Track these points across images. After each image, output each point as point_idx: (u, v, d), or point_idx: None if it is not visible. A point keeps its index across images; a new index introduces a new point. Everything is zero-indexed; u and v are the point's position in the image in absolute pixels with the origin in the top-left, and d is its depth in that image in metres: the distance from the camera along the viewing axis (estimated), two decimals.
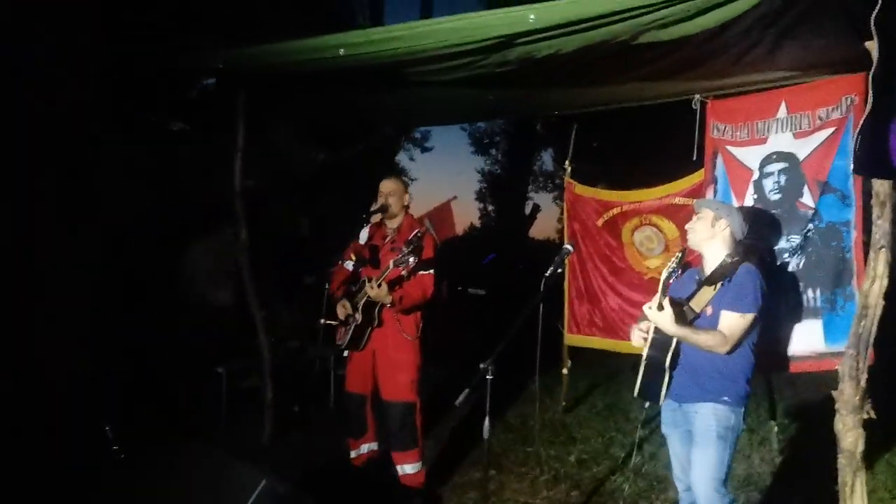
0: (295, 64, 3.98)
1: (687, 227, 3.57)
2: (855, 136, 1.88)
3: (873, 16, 1.89)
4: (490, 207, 26.91)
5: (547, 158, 25.19)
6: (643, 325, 3.42)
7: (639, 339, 3.44)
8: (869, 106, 1.88)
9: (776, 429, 5.56)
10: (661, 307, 3.12)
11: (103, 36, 5.33)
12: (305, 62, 3.89)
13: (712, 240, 3.46)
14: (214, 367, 5.96)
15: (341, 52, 3.53)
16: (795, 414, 6.48)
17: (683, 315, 3.28)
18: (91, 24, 5.28)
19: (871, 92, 1.87)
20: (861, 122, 1.92)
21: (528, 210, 20.84)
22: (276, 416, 5.63)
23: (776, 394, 5.88)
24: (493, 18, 3.04)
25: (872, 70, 1.90)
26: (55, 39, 5.07)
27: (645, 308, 3.21)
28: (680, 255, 3.34)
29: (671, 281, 3.28)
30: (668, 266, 3.25)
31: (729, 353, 3.22)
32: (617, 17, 2.84)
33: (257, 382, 5.95)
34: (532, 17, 2.87)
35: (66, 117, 4.96)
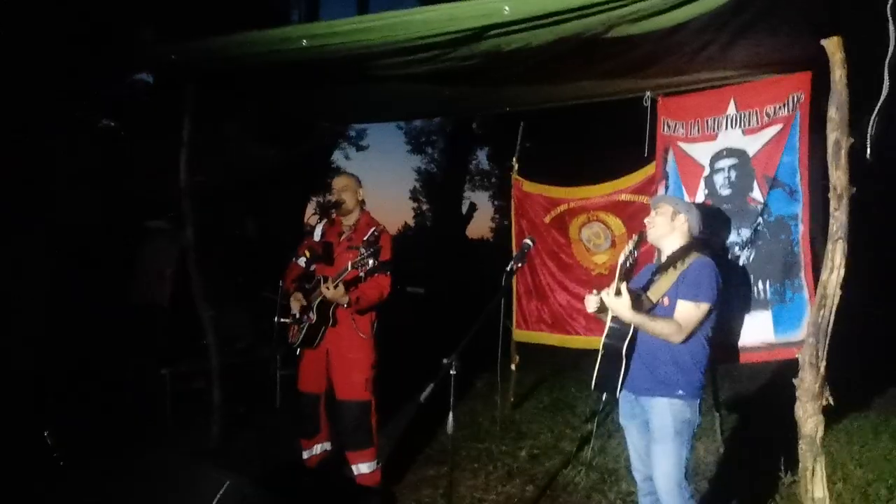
0: (253, 56, 3.83)
1: (646, 221, 3.60)
2: (871, 121, 1.91)
3: (889, 4, 1.92)
4: (425, 206, 26.96)
5: (482, 157, 25.44)
6: (596, 297, 3.39)
7: (593, 305, 3.39)
8: (885, 91, 1.92)
9: (719, 419, 5.70)
10: (618, 292, 3.14)
11: (51, 34, 5.10)
12: (265, 54, 3.75)
13: (671, 234, 3.51)
14: (159, 369, 5.72)
15: (304, 43, 3.40)
16: (735, 404, 6.68)
17: (640, 302, 3.32)
18: (38, 22, 5.05)
19: (886, 77, 1.90)
20: (878, 107, 1.95)
21: (464, 209, 20.92)
22: (223, 418, 5.45)
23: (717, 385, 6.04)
24: (465, 9, 2.97)
25: (889, 56, 1.93)
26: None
27: (602, 294, 3.23)
28: (637, 238, 3.37)
29: (627, 265, 3.29)
30: (625, 250, 3.28)
31: (683, 342, 3.25)
32: (591, 10, 2.82)
33: (203, 384, 5.76)
34: (506, 9, 2.82)
35: (12, 117, 4.73)
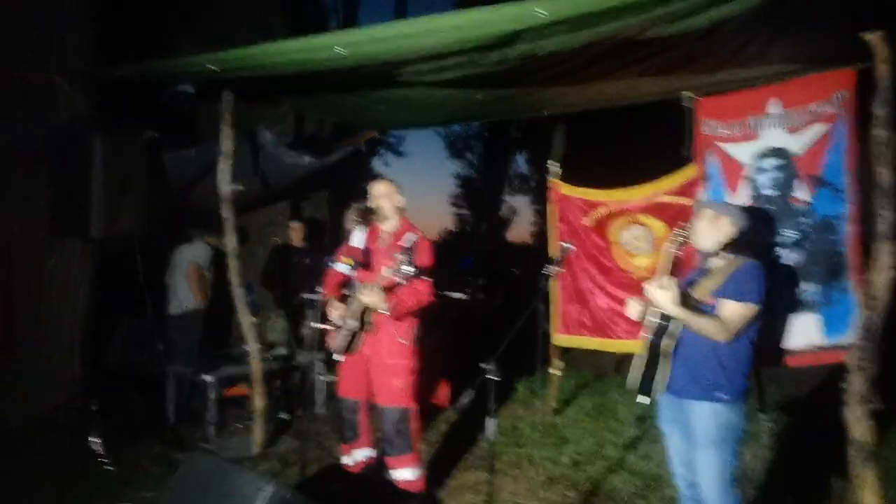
0: (290, 64, 3.89)
1: (688, 226, 3.54)
2: None
3: None
4: (465, 212, 26.97)
5: (522, 162, 25.38)
6: (641, 300, 3.35)
7: (636, 311, 3.36)
8: None
9: (768, 424, 5.58)
10: (663, 285, 3.09)
11: (96, 46, 5.27)
12: (301, 62, 3.80)
13: (715, 237, 3.44)
14: (202, 376, 5.82)
15: (339, 50, 3.43)
16: (783, 409, 6.53)
17: (685, 298, 3.26)
18: (84, 33, 5.22)
19: None
20: None
21: (504, 213, 20.90)
22: (266, 424, 5.53)
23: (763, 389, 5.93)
24: (498, 14, 2.97)
25: None
26: (48, 50, 5.01)
27: (646, 285, 3.17)
28: (683, 229, 3.30)
29: (675, 255, 3.22)
30: (673, 239, 3.20)
31: (728, 342, 3.18)
32: (624, 12, 2.80)
33: (246, 390, 5.85)
34: (541, 12, 2.80)
35: (62, 128, 4.88)
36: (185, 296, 6.71)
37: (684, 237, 3.26)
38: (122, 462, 4.99)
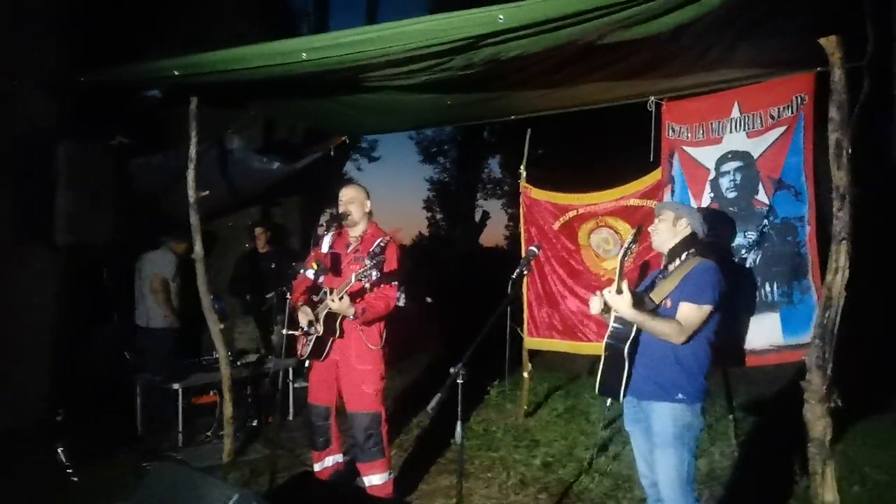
0: (255, 70, 3.88)
1: (650, 229, 3.59)
2: (851, 120, 1.91)
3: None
4: (439, 216, 26.97)
5: (494, 165, 25.49)
6: (599, 295, 3.38)
7: (597, 306, 3.38)
8: (865, 88, 1.92)
9: (734, 423, 5.66)
10: (619, 290, 3.14)
11: (64, 51, 5.20)
12: (266, 68, 3.80)
13: (674, 239, 3.50)
14: (171, 384, 5.77)
15: (304, 56, 3.44)
16: (751, 408, 6.62)
17: (642, 302, 3.30)
18: (51, 39, 5.15)
19: (866, 76, 1.91)
20: (857, 107, 1.96)
21: (477, 217, 20.95)
22: (236, 432, 5.49)
23: (731, 388, 6.01)
24: (461, 20, 3.00)
25: (867, 56, 1.94)
26: (17, 55, 4.93)
27: (604, 292, 3.22)
28: (635, 232, 3.35)
29: (629, 261, 3.27)
30: (624, 245, 3.25)
31: (684, 343, 3.23)
32: (583, 17, 2.84)
33: (215, 398, 5.81)
34: (501, 17, 2.85)
35: (27, 135, 4.81)
36: (152, 310, 6.54)
37: (634, 240, 3.31)
38: (90, 472, 4.92)
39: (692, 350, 3.27)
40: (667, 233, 3.49)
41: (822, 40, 3.31)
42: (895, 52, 1.56)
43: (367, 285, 4.16)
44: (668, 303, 3.31)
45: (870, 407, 6.28)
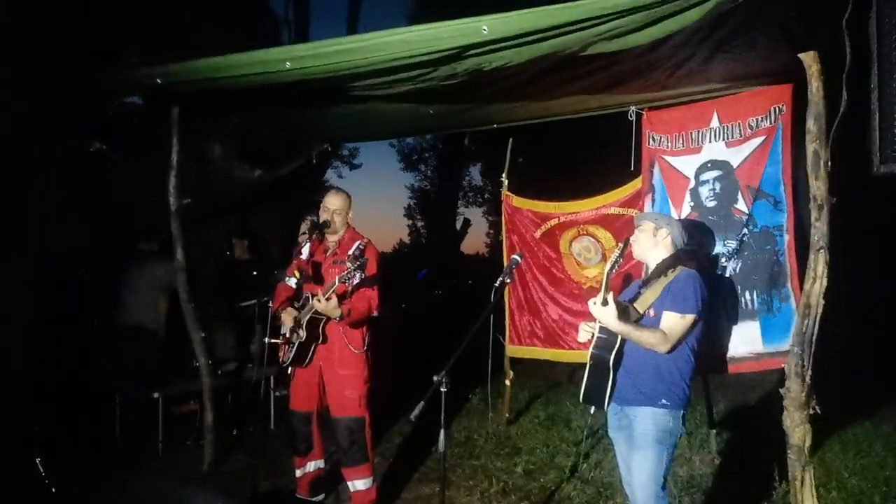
0: (238, 78, 3.87)
1: (631, 239, 3.63)
2: (830, 134, 1.95)
3: (844, 19, 1.98)
4: (420, 223, 27.02)
5: (475, 173, 25.60)
6: (591, 323, 3.45)
7: (585, 335, 3.45)
8: (843, 104, 1.96)
9: (714, 430, 5.70)
10: (604, 302, 3.18)
11: (38, 55, 5.13)
12: (249, 76, 3.79)
13: (655, 249, 3.54)
14: (150, 392, 5.71)
15: (287, 65, 3.45)
16: (731, 416, 6.69)
17: (627, 313, 3.35)
18: (26, 43, 5.08)
19: (844, 91, 1.95)
20: (837, 120, 2.00)
21: (458, 225, 20.95)
22: (217, 441, 5.44)
23: (712, 396, 6.05)
24: (445, 30, 3.02)
25: (846, 69, 1.98)
26: None
27: (589, 303, 3.26)
28: (622, 245, 3.40)
29: (614, 273, 3.31)
30: (611, 259, 3.30)
31: (668, 352, 3.28)
32: (567, 29, 2.87)
33: (195, 407, 5.75)
34: (485, 28, 2.87)
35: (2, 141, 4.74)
36: (137, 310, 6.41)
37: (621, 254, 3.35)
38: (67, 482, 4.84)
39: (675, 358, 3.32)
40: (647, 242, 3.54)
41: (801, 55, 3.36)
42: (872, 66, 1.60)
43: (350, 288, 4.17)
44: (652, 312, 3.36)
45: (849, 413, 6.37)
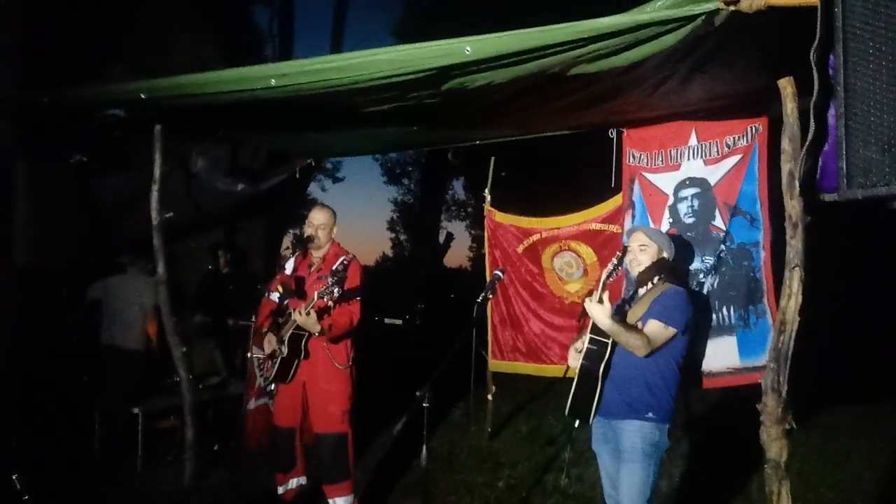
0: (223, 94, 3.90)
1: (628, 259, 3.66)
2: (801, 160, 2.01)
3: (812, 49, 2.04)
4: (402, 237, 27.05)
5: (458, 187, 25.70)
6: (578, 344, 3.50)
7: (575, 360, 3.50)
8: (811, 132, 2.02)
9: (691, 444, 5.76)
10: (600, 300, 3.25)
11: (22, 70, 5.13)
12: (234, 92, 3.82)
13: (645, 263, 3.60)
14: (130, 407, 5.67)
15: (272, 82, 3.48)
16: (709, 430, 6.73)
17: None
18: (10, 57, 5.07)
19: (812, 120, 2.01)
20: (804, 148, 2.06)
21: (441, 239, 21.00)
22: (197, 456, 5.41)
23: (691, 410, 6.12)
24: (428, 50, 3.07)
25: (813, 99, 2.04)
26: None
27: (586, 301, 3.31)
28: (620, 255, 3.46)
29: (610, 280, 3.38)
30: (609, 265, 3.37)
31: (645, 357, 3.31)
32: (549, 52, 2.93)
33: (176, 422, 5.71)
34: (468, 49, 2.92)
35: None
36: (118, 325, 6.34)
37: (619, 261, 3.42)
38: (45, 497, 4.80)
39: (661, 372, 3.39)
40: (639, 256, 3.59)
41: (778, 81, 3.45)
42: (839, 96, 1.66)
43: (330, 303, 4.17)
44: (640, 325, 3.41)
45: (826, 428, 6.45)
